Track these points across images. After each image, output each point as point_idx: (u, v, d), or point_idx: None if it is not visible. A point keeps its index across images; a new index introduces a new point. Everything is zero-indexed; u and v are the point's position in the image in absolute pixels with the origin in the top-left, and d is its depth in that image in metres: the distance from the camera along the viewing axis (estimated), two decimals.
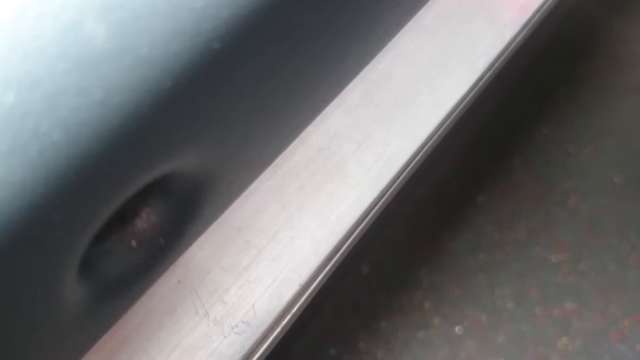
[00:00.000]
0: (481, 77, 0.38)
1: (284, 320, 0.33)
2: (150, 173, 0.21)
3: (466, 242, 0.72)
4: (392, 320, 0.69)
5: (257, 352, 0.32)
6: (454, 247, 0.72)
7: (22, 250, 0.19)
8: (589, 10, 0.79)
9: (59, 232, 0.19)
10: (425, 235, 0.73)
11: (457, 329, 0.68)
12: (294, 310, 0.34)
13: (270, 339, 0.33)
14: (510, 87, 0.75)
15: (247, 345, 0.32)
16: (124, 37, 0.18)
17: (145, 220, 0.25)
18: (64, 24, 0.18)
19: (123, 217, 0.24)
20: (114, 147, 0.18)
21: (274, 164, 0.32)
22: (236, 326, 0.32)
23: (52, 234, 0.19)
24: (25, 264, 0.19)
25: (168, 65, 0.19)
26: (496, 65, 0.38)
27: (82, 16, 0.18)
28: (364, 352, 0.67)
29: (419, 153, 0.36)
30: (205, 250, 0.32)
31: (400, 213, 0.71)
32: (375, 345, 0.68)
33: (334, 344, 0.68)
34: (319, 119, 0.33)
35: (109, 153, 0.18)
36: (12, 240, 0.18)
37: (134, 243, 0.25)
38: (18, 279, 0.19)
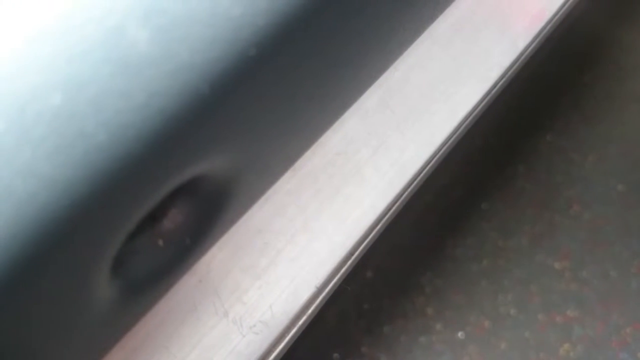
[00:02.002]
0: (494, 86, 0.38)
1: (300, 320, 0.34)
2: (184, 175, 0.22)
3: (469, 248, 0.72)
4: (395, 324, 0.69)
5: (273, 351, 0.33)
6: (457, 253, 0.72)
7: (62, 248, 0.19)
8: (594, 20, 0.80)
9: (98, 231, 0.20)
10: (429, 241, 0.73)
11: (459, 334, 0.69)
12: (310, 311, 0.34)
13: (287, 339, 0.34)
14: (514, 94, 0.76)
15: (265, 345, 0.33)
16: (165, 42, 0.19)
17: (172, 220, 0.26)
18: (109, 28, 0.18)
19: (152, 216, 0.25)
20: (154, 150, 0.19)
21: (292, 167, 0.33)
22: (254, 326, 0.32)
23: (92, 233, 0.20)
24: (64, 262, 0.20)
25: (206, 71, 0.20)
26: (508, 74, 0.39)
27: (126, 22, 0.19)
28: (366, 357, 0.68)
29: (433, 159, 0.36)
30: (226, 251, 0.32)
31: (404, 219, 0.72)
32: (378, 349, 0.68)
33: (336, 348, 0.68)
34: (336, 124, 0.33)
35: (149, 155, 0.19)
36: (54, 237, 0.19)
37: (160, 242, 0.26)
38: (56, 276, 0.20)
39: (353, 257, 0.35)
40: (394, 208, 0.36)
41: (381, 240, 0.67)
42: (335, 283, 0.35)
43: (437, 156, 0.37)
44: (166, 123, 0.19)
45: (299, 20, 0.22)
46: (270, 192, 0.33)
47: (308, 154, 0.33)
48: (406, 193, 0.36)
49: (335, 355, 0.67)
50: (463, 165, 0.74)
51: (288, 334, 0.33)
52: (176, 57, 0.19)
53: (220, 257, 0.32)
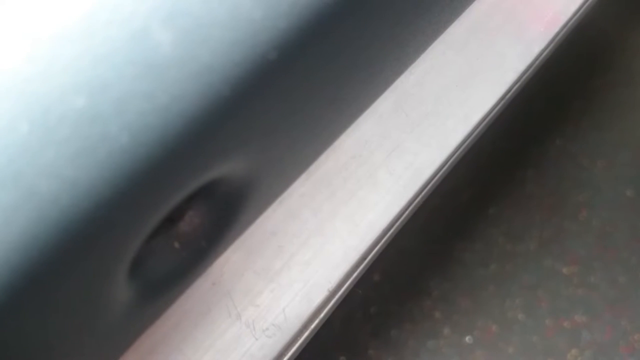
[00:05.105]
0: (509, 90, 0.38)
1: (312, 324, 0.34)
2: (203, 177, 0.22)
3: (477, 252, 0.72)
4: (402, 328, 0.69)
5: (286, 355, 0.33)
6: (466, 258, 0.72)
7: (84, 250, 0.19)
8: (605, 26, 0.80)
9: (119, 232, 0.20)
10: (437, 245, 0.73)
11: (467, 338, 0.69)
12: (322, 314, 0.34)
13: (299, 342, 0.33)
14: (523, 99, 0.76)
15: (277, 348, 0.32)
16: (188, 45, 0.19)
17: (189, 222, 0.26)
18: (132, 30, 0.18)
19: (170, 219, 0.25)
20: (176, 152, 0.19)
21: (307, 170, 0.33)
22: (267, 329, 0.32)
23: (112, 235, 0.20)
24: (85, 263, 0.20)
25: (227, 74, 0.20)
26: (523, 78, 0.39)
27: (149, 24, 0.19)
28: None
29: (447, 163, 0.36)
30: (240, 254, 0.32)
31: (412, 222, 0.72)
32: (385, 353, 0.68)
33: (343, 351, 0.68)
34: (351, 127, 0.33)
35: (171, 157, 0.19)
36: (76, 239, 0.19)
37: (176, 244, 0.26)
38: (76, 278, 0.20)
39: (366, 261, 0.35)
40: (407, 212, 0.36)
41: (389, 243, 0.67)
42: (348, 286, 0.35)
43: (451, 160, 0.37)
44: (188, 125, 0.19)
45: (318, 24, 0.22)
46: (284, 195, 0.33)
47: (322, 157, 0.33)
48: (420, 197, 0.36)
49: (342, 358, 0.67)
50: (471, 170, 0.74)
51: (300, 337, 0.33)
52: (198, 60, 0.19)
53: (234, 259, 0.32)
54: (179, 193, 0.21)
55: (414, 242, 0.72)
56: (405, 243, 0.71)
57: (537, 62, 0.40)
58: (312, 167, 0.33)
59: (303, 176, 0.33)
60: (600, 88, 0.78)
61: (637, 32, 0.79)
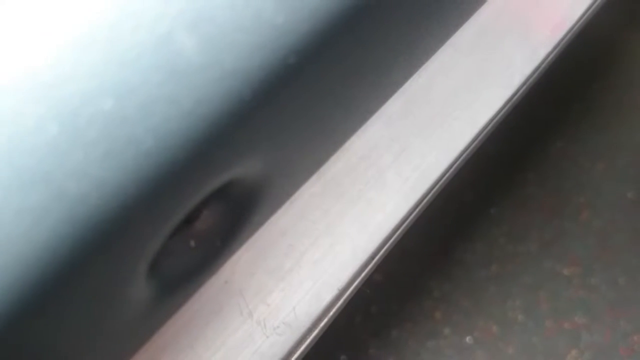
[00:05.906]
0: (515, 93, 0.39)
1: (322, 322, 0.34)
2: (221, 179, 0.22)
3: (478, 253, 0.73)
4: (403, 328, 0.70)
5: (296, 352, 0.33)
6: (467, 258, 0.73)
7: (110, 249, 0.20)
8: (605, 29, 0.80)
9: (143, 232, 0.20)
10: (438, 245, 0.74)
11: (467, 339, 0.69)
12: (331, 313, 0.35)
13: (309, 340, 0.34)
14: (525, 101, 0.76)
15: (287, 345, 0.33)
16: (212, 50, 0.19)
17: (204, 222, 0.26)
18: (158, 36, 0.19)
19: (188, 218, 0.25)
20: (198, 154, 0.20)
21: (317, 172, 0.33)
22: (278, 327, 0.33)
23: (137, 234, 0.20)
24: (110, 262, 0.20)
25: (249, 78, 0.20)
26: (529, 82, 0.40)
27: (174, 29, 0.19)
28: (374, 359, 0.68)
29: (454, 165, 0.37)
30: (251, 253, 0.33)
31: (414, 223, 0.72)
32: (386, 352, 0.69)
33: (344, 350, 0.68)
34: (360, 129, 0.34)
35: (193, 160, 0.20)
36: (104, 239, 0.19)
37: (192, 243, 0.26)
38: (101, 277, 0.21)
39: (374, 261, 0.35)
40: (415, 213, 0.36)
41: (390, 244, 0.67)
42: (357, 286, 0.35)
43: (458, 162, 0.37)
44: (210, 129, 0.19)
45: (336, 28, 0.23)
46: (295, 196, 0.33)
47: (333, 158, 0.34)
48: (427, 198, 0.36)
49: (343, 357, 0.68)
50: (473, 171, 0.74)
51: (310, 335, 0.34)
52: (222, 64, 0.19)
53: (245, 258, 0.33)
54: (199, 193, 0.22)
55: (415, 243, 0.72)
56: (407, 243, 0.71)
57: (543, 65, 0.40)
58: (323, 169, 0.33)
59: (313, 177, 0.33)
60: (601, 91, 0.78)
61: (636, 37, 0.80)
